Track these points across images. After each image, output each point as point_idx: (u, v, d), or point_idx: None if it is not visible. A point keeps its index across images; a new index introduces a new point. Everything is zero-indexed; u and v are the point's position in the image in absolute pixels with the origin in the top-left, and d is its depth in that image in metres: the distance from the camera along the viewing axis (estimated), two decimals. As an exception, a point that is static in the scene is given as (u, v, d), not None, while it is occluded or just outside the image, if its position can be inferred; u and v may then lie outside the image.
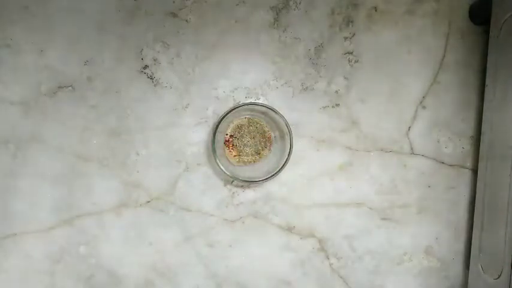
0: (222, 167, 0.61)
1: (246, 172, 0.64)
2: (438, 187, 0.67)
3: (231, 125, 0.65)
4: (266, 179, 0.62)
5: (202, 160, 0.65)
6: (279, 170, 0.63)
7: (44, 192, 0.64)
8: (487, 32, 0.62)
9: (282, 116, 0.61)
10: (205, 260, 0.66)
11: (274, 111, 0.61)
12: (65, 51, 0.64)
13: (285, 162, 0.62)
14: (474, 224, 0.62)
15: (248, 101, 0.65)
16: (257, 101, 0.65)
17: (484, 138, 0.61)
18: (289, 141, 0.62)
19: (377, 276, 0.67)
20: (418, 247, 0.67)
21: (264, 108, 0.62)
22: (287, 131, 0.62)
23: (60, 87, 0.64)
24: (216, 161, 0.61)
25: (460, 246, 0.67)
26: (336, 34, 0.66)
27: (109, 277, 0.65)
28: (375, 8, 0.66)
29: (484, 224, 0.60)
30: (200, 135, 0.65)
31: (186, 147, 0.65)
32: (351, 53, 0.66)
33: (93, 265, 0.65)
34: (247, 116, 0.65)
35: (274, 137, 0.65)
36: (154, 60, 0.65)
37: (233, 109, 0.61)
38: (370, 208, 0.67)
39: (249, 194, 0.66)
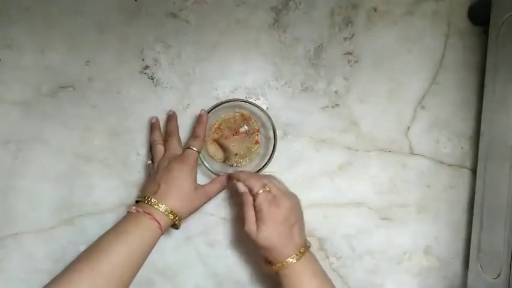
0: (207, 164, 0.61)
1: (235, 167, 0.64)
2: (437, 187, 0.67)
3: (217, 124, 0.65)
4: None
5: (202, 160, 0.66)
6: (264, 165, 0.61)
7: (45, 192, 0.65)
8: (486, 33, 0.62)
9: (263, 110, 0.61)
10: (206, 259, 0.66)
11: (258, 107, 0.61)
12: (65, 51, 0.65)
13: (270, 158, 0.61)
14: (473, 223, 0.62)
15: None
16: (238, 98, 0.64)
17: (483, 138, 0.62)
18: (273, 139, 0.61)
19: (376, 276, 0.67)
20: (418, 247, 0.67)
21: (247, 105, 0.61)
22: (270, 126, 0.61)
23: (61, 87, 0.65)
24: (201, 159, 0.61)
25: (460, 245, 0.67)
26: (336, 35, 0.66)
27: (110, 276, 0.65)
28: (375, 9, 0.66)
29: (483, 224, 0.60)
30: (200, 135, 0.65)
31: (187, 147, 0.65)
32: (351, 53, 0.66)
33: (94, 265, 0.65)
34: (236, 113, 0.64)
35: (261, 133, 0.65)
36: (155, 60, 0.65)
37: (217, 105, 0.61)
38: (370, 208, 0.67)
39: (249, 193, 0.66)
